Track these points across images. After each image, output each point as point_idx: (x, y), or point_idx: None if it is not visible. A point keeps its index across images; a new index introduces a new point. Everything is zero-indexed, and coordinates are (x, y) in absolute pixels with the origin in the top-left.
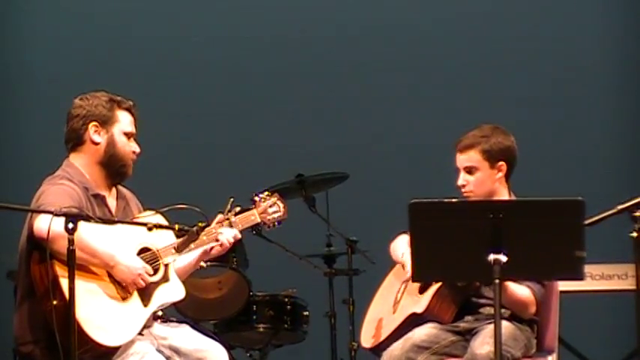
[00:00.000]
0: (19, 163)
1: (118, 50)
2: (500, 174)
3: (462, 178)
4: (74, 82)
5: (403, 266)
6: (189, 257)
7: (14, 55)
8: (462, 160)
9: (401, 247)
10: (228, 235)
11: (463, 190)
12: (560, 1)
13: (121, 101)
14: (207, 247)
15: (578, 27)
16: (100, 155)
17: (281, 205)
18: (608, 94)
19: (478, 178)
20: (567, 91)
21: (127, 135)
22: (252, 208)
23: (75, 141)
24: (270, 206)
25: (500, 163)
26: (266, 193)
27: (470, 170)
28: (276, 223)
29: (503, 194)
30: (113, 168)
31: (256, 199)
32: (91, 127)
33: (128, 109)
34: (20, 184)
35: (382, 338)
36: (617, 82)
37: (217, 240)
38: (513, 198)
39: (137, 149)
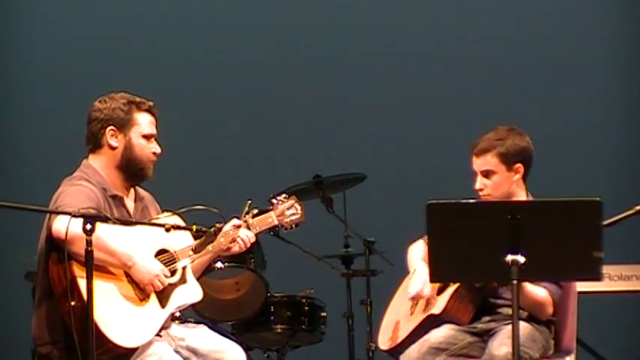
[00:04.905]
0: (19, 163)
1: (131, 52)
2: (518, 176)
3: (480, 182)
4: (78, 84)
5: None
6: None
7: (13, 56)
8: (479, 164)
9: (414, 262)
10: (244, 235)
11: (481, 193)
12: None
13: (140, 103)
14: (223, 247)
15: (594, 27)
16: (118, 159)
17: (299, 208)
18: (626, 95)
19: (495, 182)
20: (583, 90)
21: (147, 137)
22: (269, 211)
23: (93, 144)
24: (288, 209)
25: (517, 165)
26: (283, 195)
27: (487, 174)
28: (293, 226)
29: (521, 195)
30: (131, 171)
31: (274, 201)
32: (109, 131)
33: (148, 110)
34: (19, 184)
35: (400, 340)
36: (636, 82)
37: (234, 241)
38: (531, 199)
39: (157, 150)
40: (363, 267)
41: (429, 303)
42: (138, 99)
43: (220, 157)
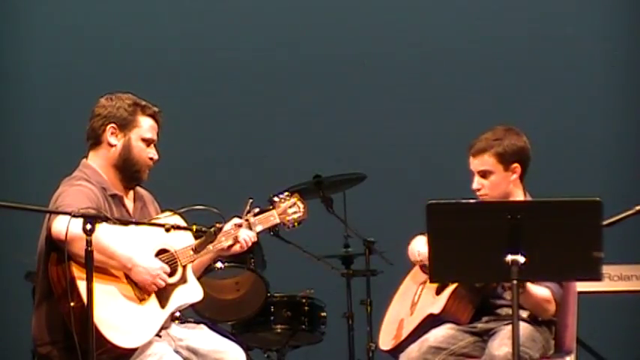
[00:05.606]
0: (19, 163)
1: (131, 52)
2: (515, 175)
3: (477, 182)
4: (78, 84)
5: (421, 267)
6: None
7: (13, 56)
8: (476, 164)
9: (417, 247)
10: (245, 235)
11: (478, 193)
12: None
13: (145, 106)
14: (224, 245)
15: (594, 27)
16: (115, 158)
17: (301, 206)
18: (626, 95)
19: (493, 182)
20: (583, 90)
21: (146, 141)
22: (271, 209)
23: (93, 140)
24: (290, 207)
25: (515, 165)
26: (286, 193)
27: (484, 174)
28: (295, 224)
29: (519, 195)
30: (127, 172)
31: (275, 199)
32: (109, 128)
33: (152, 115)
34: (19, 184)
35: (400, 340)
36: (636, 82)
37: (235, 240)
38: (529, 198)
39: (155, 156)
40: (363, 267)
41: (430, 301)
42: (143, 102)
43: (220, 157)
